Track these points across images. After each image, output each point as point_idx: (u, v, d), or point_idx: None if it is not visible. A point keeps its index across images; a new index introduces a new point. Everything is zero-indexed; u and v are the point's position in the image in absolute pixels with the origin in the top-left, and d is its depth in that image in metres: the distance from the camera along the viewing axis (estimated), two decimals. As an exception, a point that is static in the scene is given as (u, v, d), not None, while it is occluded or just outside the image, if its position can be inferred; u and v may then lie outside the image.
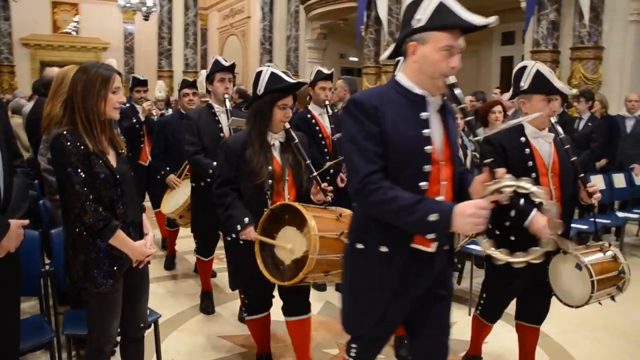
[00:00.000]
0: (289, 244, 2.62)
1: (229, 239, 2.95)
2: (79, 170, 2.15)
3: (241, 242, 2.78)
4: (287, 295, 2.95)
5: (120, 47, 18.51)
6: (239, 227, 2.70)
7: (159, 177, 4.63)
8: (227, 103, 3.72)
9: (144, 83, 5.88)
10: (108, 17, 18.11)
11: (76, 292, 2.50)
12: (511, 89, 2.88)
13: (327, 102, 4.44)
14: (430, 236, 1.89)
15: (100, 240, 2.20)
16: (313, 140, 4.19)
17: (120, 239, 2.22)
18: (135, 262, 2.28)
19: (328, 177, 4.16)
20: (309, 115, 4.48)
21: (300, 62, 14.70)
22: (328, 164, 3.61)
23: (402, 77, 1.95)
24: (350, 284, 2.05)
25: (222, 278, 4.59)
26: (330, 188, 2.78)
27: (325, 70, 4.54)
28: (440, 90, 1.93)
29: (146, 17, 15.86)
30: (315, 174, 2.77)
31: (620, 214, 5.66)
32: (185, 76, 14.56)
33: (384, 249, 1.92)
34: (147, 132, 5.50)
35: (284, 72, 2.80)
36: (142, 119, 5.47)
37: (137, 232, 2.34)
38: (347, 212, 2.66)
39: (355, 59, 15.30)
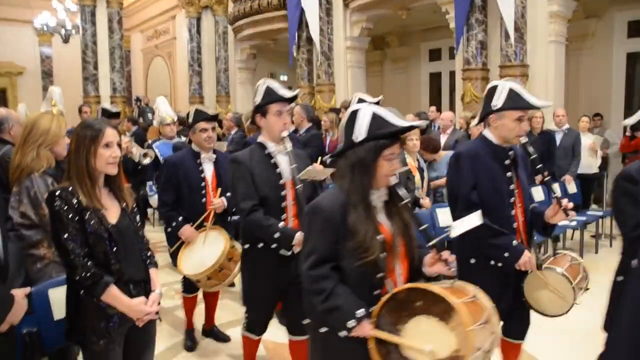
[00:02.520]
0: (426, 341, 1.94)
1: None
2: (69, 227, 2.11)
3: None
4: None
5: (36, 72, 17.66)
6: (351, 323, 1.98)
7: (169, 229, 3.88)
8: (288, 143, 2.99)
9: (116, 115, 5.23)
10: (22, 40, 17.24)
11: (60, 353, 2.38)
12: (479, 112, 2.95)
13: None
14: None
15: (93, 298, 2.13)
16: None
17: (112, 296, 2.14)
18: (137, 322, 2.21)
19: None
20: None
21: (231, 83, 14.63)
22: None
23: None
24: None
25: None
26: (454, 258, 2.14)
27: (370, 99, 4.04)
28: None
29: (66, 40, 15.24)
30: (434, 241, 2.12)
31: (560, 223, 6.01)
32: (113, 101, 14.14)
33: None
34: (124, 171, 5.14)
35: (388, 109, 2.15)
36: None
37: (140, 289, 2.25)
38: (475, 289, 2.08)
39: (285, 78, 15.42)
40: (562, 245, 6.08)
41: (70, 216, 2.10)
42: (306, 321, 2.25)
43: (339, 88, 10.90)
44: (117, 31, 14.36)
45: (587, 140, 7.45)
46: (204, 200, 3.84)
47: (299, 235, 2.77)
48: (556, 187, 2.87)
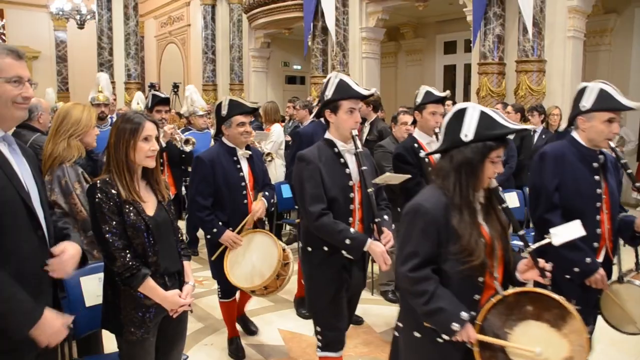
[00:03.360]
0: (536, 346, 1.86)
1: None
2: (108, 219, 2.16)
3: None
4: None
5: (51, 56, 17.76)
6: (455, 326, 1.92)
7: (209, 236, 3.49)
8: (358, 142, 2.81)
9: (165, 101, 4.87)
10: (37, 24, 17.32)
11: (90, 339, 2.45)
12: (570, 114, 2.83)
13: (437, 130, 3.56)
14: None
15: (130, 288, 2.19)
16: (422, 175, 3.50)
17: (149, 288, 2.21)
18: (171, 312, 2.27)
19: None
20: (415, 145, 3.66)
21: (244, 71, 14.64)
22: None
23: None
24: None
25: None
26: (550, 266, 2.06)
27: (436, 92, 3.71)
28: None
29: (81, 26, 15.30)
30: (533, 247, 2.04)
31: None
32: (127, 87, 14.21)
33: None
34: (167, 160, 4.78)
35: (493, 110, 2.08)
36: (163, 144, 4.51)
37: (175, 281, 2.32)
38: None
39: (299, 67, 15.41)
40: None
41: (109, 208, 2.16)
42: (399, 325, 2.22)
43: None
44: (133, 17, 14.37)
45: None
46: (245, 201, 3.54)
47: (371, 243, 2.69)
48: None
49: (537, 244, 2.06)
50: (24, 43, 16.99)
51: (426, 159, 3.55)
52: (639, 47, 9.52)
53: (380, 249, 2.67)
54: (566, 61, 8.09)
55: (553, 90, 8.08)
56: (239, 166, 3.52)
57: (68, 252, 1.91)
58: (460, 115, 2.04)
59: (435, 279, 1.99)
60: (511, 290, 2.00)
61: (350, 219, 2.78)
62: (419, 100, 3.69)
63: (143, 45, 18.39)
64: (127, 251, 2.17)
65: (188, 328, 2.53)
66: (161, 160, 4.58)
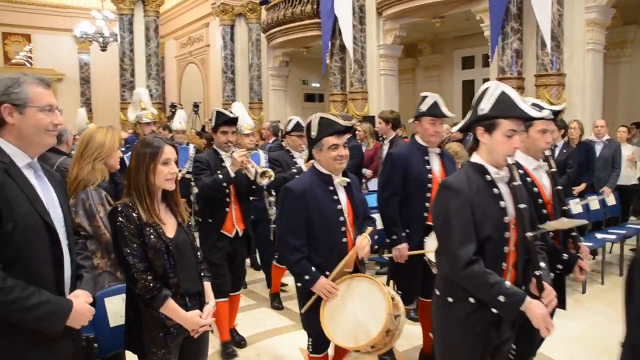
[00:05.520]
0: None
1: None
2: (130, 242, 2.21)
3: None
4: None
5: (75, 78, 18.21)
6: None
7: (299, 284, 2.91)
8: (515, 172, 2.31)
9: (233, 122, 4.07)
10: (62, 48, 17.80)
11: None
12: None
13: (547, 153, 2.89)
14: None
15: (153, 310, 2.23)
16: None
17: (170, 309, 2.24)
18: (192, 333, 2.30)
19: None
20: (521, 171, 2.75)
21: (264, 90, 14.82)
22: None
23: None
24: None
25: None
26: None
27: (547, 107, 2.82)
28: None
29: (104, 48, 15.65)
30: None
31: (599, 236, 5.95)
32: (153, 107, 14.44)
33: None
34: (235, 193, 3.98)
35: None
36: (232, 174, 3.80)
37: (195, 302, 2.35)
38: None
39: (318, 85, 15.53)
40: (601, 258, 5.98)
41: (130, 231, 2.20)
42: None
43: (372, 96, 10.96)
44: (154, 39, 14.70)
45: (626, 151, 7.33)
46: (344, 239, 2.92)
47: (530, 303, 2.16)
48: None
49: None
50: (50, 66, 17.51)
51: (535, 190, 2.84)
52: (661, 59, 9.44)
53: (541, 311, 2.16)
54: (586, 74, 8.04)
55: (573, 103, 8.02)
56: (335, 197, 2.93)
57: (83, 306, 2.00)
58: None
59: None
60: None
61: (504, 264, 2.30)
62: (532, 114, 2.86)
63: (164, 66, 18.74)
64: (148, 273, 2.21)
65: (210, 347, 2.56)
66: (227, 191, 3.90)
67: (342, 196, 2.96)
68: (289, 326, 4.70)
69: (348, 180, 2.98)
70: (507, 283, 2.19)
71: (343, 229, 2.91)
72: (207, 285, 2.45)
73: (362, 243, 2.86)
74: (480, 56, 11.74)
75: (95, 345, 2.49)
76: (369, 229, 2.94)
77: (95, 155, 2.99)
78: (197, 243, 2.73)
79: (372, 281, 2.82)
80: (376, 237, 3.12)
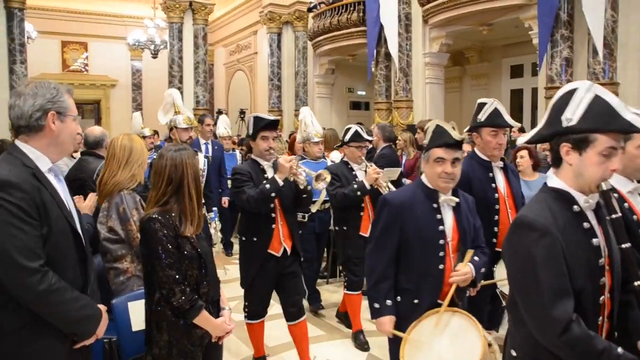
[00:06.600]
0: None
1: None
2: (169, 253, 2.22)
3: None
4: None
5: (128, 84, 18.77)
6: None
7: (373, 314, 2.59)
8: (614, 201, 1.82)
9: (273, 125, 3.61)
10: (116, 55, 18.40)
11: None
12: None
13: None
14: None
15: (182, 319, 2.23)
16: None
17: (204, 318, 2.27)
18: (214, 338, 2.32)
19: None
20: (615, 194, 2.16)
21: (309, 97, 14.88)
22: None
23: None
24: None
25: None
26: None
27: None
28: None
29: (155, 55, 16.08)
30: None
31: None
32: (195, 113, 14.75)
33: None
34: (280, 205, 3.61)
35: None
36: (280, 182, 3.44)
37: (215, 308, 2.38)
38: None
39: (363, 93, 15.48)
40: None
41: (172, 242, 2.23)
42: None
43: (417, 104, 10.82)
44: (202, 47, 15.01)
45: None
46: (441, 266, 2.56)
47: None
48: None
49: None
50: (104, 72, 18.16)
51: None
52: None
53: None
54: (642, 83, 7.69)
55: (627, 114, 7.67)
56: (439, 216, 2.57)
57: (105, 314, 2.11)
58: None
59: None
60: None
61: (600, 318, 1.83)
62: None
63: (212, 73, 19.11)
64: (186, 283, 2.24)
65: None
66: (272, 206, 3.55)
67: (448, 217, 2.59)
68: (319, 336, 4.66)
69: (457, 200, 2.59)
70: (620, 350, 1.70)
71: (442, 253, 2.54)
72: (222, 290, 2.48)
73: (464, 270, 2.49)
74: (530, 65, 11.42)
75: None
76: (471, 251, 2.55)
77: (140, 162, 3.06)
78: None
79: (469, 318, 2.38)
80: (482, 270, 2.67)
